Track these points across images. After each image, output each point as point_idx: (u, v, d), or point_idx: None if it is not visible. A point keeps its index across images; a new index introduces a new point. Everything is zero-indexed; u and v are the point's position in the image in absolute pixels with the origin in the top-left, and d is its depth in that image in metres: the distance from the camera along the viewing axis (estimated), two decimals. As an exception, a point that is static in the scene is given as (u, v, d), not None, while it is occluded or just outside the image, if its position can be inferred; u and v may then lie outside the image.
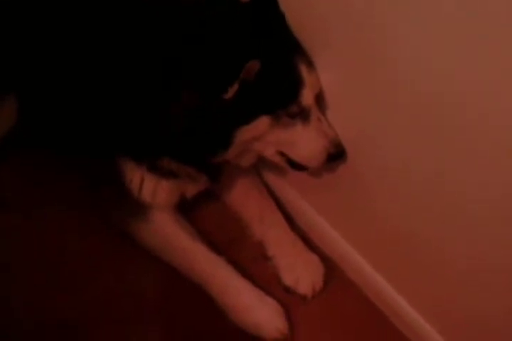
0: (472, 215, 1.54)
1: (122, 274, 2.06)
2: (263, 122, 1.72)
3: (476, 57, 1.29)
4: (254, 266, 2.10)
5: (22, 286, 1.99)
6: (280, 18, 1.76)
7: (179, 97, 1.67)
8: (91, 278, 2.04)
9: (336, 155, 1.82)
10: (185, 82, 1.66)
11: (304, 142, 1.80)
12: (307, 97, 1.74)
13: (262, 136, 1.77)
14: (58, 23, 1.91)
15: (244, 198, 2.23)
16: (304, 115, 1.77)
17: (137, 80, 1.73)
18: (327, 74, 1.78)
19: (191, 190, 2.06)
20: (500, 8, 1.18)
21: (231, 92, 1.62)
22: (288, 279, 2.07)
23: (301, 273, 2.07)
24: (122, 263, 2.08)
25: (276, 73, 1.67)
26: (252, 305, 1.94)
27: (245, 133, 1.73)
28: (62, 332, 1.91)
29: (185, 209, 2.13)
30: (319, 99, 1.81)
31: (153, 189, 1.97)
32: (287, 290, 2.06)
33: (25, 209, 2.16)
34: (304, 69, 1.73)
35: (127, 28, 1.77)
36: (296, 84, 1.72)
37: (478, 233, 1.56)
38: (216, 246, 2.06)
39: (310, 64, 1.76)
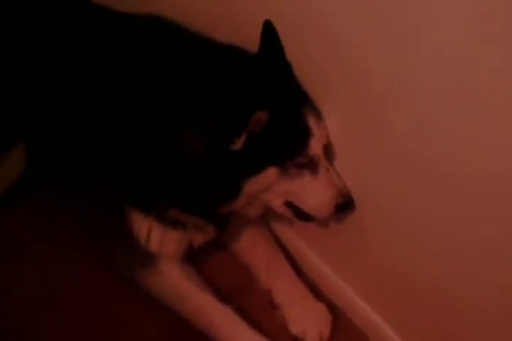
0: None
1: (127, 316, 1.95)
2: (271, 173, 1.64)
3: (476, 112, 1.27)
4: (263, 314, 1.99)
5: (22, 325, 1.89)
6: (288, 69, 1.69)
7: (188, 147, 1.59)
8: (93, 318, 1.94)
9: (345, 205, 1.73)
10: (193, 132, 1.57)
11: (313, 192, 1.71)
12: (315, 148, 1.66)
13: (270, 186, 1.68)
14: (64, 74, 1.83)
15: (251, 248, 2.14)
16: (312, 165, 1.68)
17: (144, 128, 1.65)
18: (335, 125, 1.71)
19: (199, 239, 1.95)
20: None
21: (239, 143, 1.55)
22: (295, 328, 1.96)
23: (308, 322, 1.96)
24: (127, 305, 1.97)
25: (284, 124, 1.61)
26: None
27: (253, 184, 1.64)
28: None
29: (193, 258, 2.02)
30: (327, 149, 1.74)
31: (160, 239, 1.87)
32: (295, 339, 1.95)
33: (28, 252, 2.07)
34: (312, 120, 1.65)
35: (136, 76, 1.69)
36: (304, 135, 1.64)
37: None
38: (224, 294, 1.95)
39: (318, 115, 1.69)
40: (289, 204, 1.76)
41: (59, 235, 2.11)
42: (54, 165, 2.02)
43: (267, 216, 2.13)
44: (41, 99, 1.89)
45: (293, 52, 1.66)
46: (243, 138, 1.53)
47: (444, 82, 1.29)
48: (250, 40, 1.65)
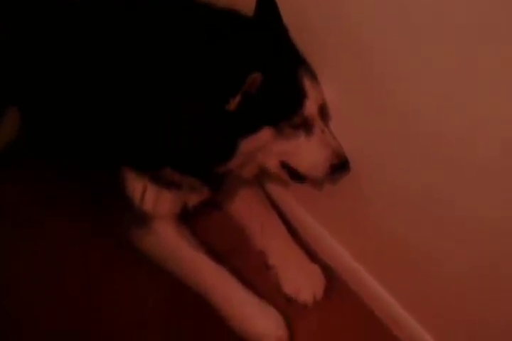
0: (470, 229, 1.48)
1: (124, 285, 1.97)
2: (266, 133, 1.63)
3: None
4: (257, 275, 1.99)
5: (22, 296, 1.90)
6: (284, 32, 1.68)
7: (182, 107, 1.58)
8: (91, 289, 1.95)
9: (340, 166, 1.73)
10: (188, 93, 1.57)
11: (307, 153, 1.71)
12: (310, 109, 1.66)
13: (265, 146, 1.68)
14: (57, 33, 1.81)
15: (246, 208, 2.14)
16: (307, 126, 1.68)
17: (140, 89, 1.63)
18: (330, 86, 1.70)
19: (193, 199, 1.96)
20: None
21: (233, 104, 1.54)
22: (289, 288, 1.97)
23: (302, 283, 1.97)
24: (124, 274, 1.98)
25: (279, 85, 1.60)
26: (253, 315, 1.84)
27: (248, 144, 1.63)
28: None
29: (188, 219, 2.03)
30: (323, 111, 1.73)
31: (155, 199, 1.87)
32: (288, 299, 1.96)
33: (24, 221, 2.07)
34: (306, 81, 1.65)
35: (130, 36, 1.67)
36: (299, 96, 1.64)
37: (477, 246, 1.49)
38: (219, 256, 1.95)
39: (313, 76, 1.68)
40: (284, 165, 1.76)
41: (58, 204, 2.12)
42: (49, 130, 2.00)
43: (262, 177, 2.13)
44: (34, 61, 1.87)
45: (292, 13, 1.64)
46: (238, 98, 1.53)
47: (446, 49, 1.27)
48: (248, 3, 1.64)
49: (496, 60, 1.18)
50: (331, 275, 2.02)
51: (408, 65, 1.38)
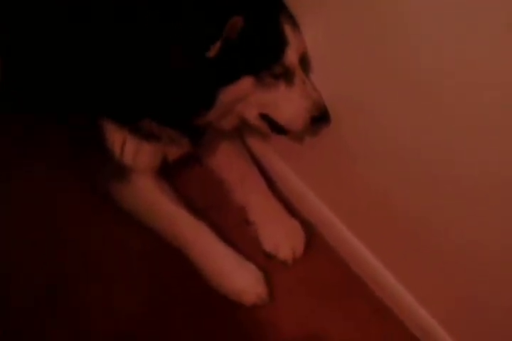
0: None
1: (110, 235, 1.96)
2: (246, 83, 1.63)
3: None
4: (237, 232, 1.99)
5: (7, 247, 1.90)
6: None
7: (162, 54, 1.57)
8: (78, 238, 1.95)
9: (320, 117, 1.71)
10: (168, 39, 1.56)
11: (287, 104, 1.70)
12: (291, 58, 1.65)
13: (245, 96, 1.68)
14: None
15: (226, 163, 2.13)
16: (287, 76, 1.67)
17: (119, 37, 1.62)
18: (313, 36, 1.67)
19: (173, 153, 1.96)
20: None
21: (214, 50, 1.53)
22: (268, 245, 1.97)
23: (281, 239, 1.96)
24: (111, 225, 1.97)
25: (260, 32, 1.59)
26: (232, 271, 1.84)
27: (228, 94, 1.63)
28: (50, 290, 1.83)
29: (169, 174, 2.02)
30: (304, 62, 1.71)
31: (135, 151, 1.87)
32: (268, 255, 1.96)
33: (10, 170, 2.06)
34: (288, 29, 1.63)
35: None
36: (280, 44, 1.62)
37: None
38: (199, 211, 1.95)
39: (295, 24, 1.66)
40: (264, 117, 1.75)
41: (47, 157, 2.10)
42: (31, 80, 1.97)
43: (243, 131, 2.13)
44: (18, 10, 1.85)
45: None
46: (218, 45, 1.51)
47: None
48: None
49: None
50: (310, 231, 2.02)
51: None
